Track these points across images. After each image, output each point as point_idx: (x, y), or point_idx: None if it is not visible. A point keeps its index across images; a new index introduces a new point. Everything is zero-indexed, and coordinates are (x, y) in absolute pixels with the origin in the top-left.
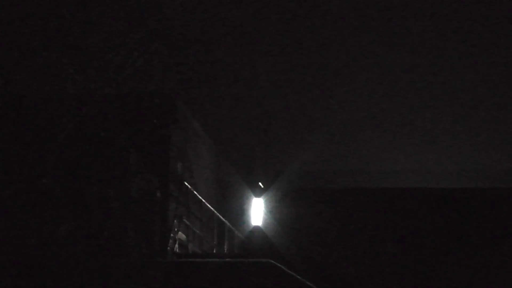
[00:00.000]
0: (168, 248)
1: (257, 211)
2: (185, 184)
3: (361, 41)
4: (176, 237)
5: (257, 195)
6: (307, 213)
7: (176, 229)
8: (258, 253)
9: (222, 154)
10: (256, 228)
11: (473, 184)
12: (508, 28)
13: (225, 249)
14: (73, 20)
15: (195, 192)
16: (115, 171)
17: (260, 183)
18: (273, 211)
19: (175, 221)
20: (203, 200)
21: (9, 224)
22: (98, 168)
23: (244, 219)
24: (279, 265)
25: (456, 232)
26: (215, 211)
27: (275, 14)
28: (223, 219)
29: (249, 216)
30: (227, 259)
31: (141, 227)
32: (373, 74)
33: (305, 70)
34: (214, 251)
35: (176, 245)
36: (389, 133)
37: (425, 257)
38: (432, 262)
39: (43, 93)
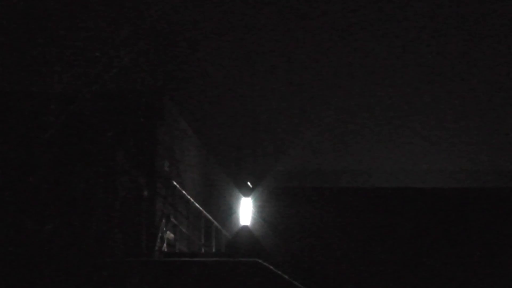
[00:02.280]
0: (156, 247)
1: (245, 210)
2: (173, 183)
3: (358, 39)
4: (164, 237)
5: (245, 195)
6: (295, 213)
7: (163, 228)
8: (246, 253)
9: (210, 153)
10: (244, 227)
11: (473, 184)
12: (508, 28)
13: (213, 249)
14: (60, 17)
15: (182, 191)
16: (102, 170)
17: (248, 182)
18: (261, 210)
19: (163, 220)
20: (191, 199)
21: None
22: (85, 166)
23: (232, 219)
24: (266, 264)
25: (455, 232)
26: (202, 210)
27: (264, 11)
28: (211, 218)
29: (237, 215)
30: (215, 259)
31: (128, 226)
32: (364, 71)
33: (295, 69)
34: (202, 251)
35: (164, 245)
36: (379, 132)
37: (412, 255)
38: (430, 262)
39: (29, 90)
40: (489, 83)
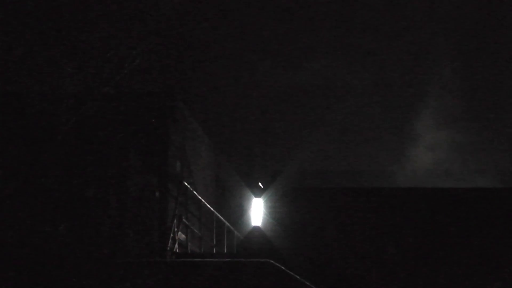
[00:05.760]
0: (168, 248)
1: (257, 211)
2: (184, 184)
3: (360, 40)
4: (176, 237)
5: (257, 195)
6: (307, 213)
7: (175, 229)
8: (257, 253)
9: (221, 153)
10: (256, 228)
11: (473, 184)
12: (507, 27)
13: (224, 249)
14: (71, 19)
15: (194, 192)
16: (114, 171)
17: (259, 183)
18: (272, 211)
19: (175, 221)
20: (202, 200)
21: (8, 223)
22: (97, 167)
23: (243, 219)
24: (278, 265)
25: (456, 232)
26: (214, 211)
27: (274, 14)
28: (222, 219)
29: (249, 216)
30: (226, 259)
31: (140, 227)
32: (372, 73)
33: (304, 70)
34: (214, 251)
35: (176, 245)
36: (388, 133)
37: (425, 257)
38: (432, 262)
39: (41, 92)
40: (491, 83)
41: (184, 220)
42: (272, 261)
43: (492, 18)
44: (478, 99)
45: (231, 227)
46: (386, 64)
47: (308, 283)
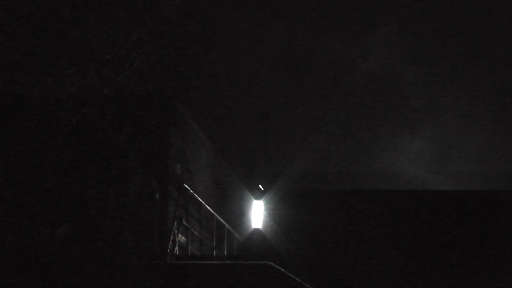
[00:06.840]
0: (168, 250)
1: (257, 213)
2: (184, 186)
3: (361, 41)
4: (176, 239)
5: (257, 197)
6: (307, 215)
7: (175, 231)
8: (258, 255)
9: (221, 155)
10: (256, 230)
11: (474, 187)
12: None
13: (225, 251)
14: (71, 20)
15: (194, 194)
16: (114, 173)
17: (260, 185)
18: (272, 213)
19: (175, 223)
20: (203, 202)
21: (8, 224)
22: (97, 169)
23: (244, 221)
24: (278, 267)
25: (456, 234)
26: (214, 213)
27: (274, 14)
28: (223, 221)
29: (249, 218)
30: (227, 261)
31: (140, 229)
32: (373, 74)
33: (304, 71)
34: (214, 253)
35: (176, 247)
36: (389, 135)
37: (424, 258)
38: (432, 264)
39: (41, 93)
40: (491, 84)
41: (184, 222)
42: (272, 264)
43: None
44: (480, 101)
45: (231, 229)
46: (387, 62)
47: (308, 285)
